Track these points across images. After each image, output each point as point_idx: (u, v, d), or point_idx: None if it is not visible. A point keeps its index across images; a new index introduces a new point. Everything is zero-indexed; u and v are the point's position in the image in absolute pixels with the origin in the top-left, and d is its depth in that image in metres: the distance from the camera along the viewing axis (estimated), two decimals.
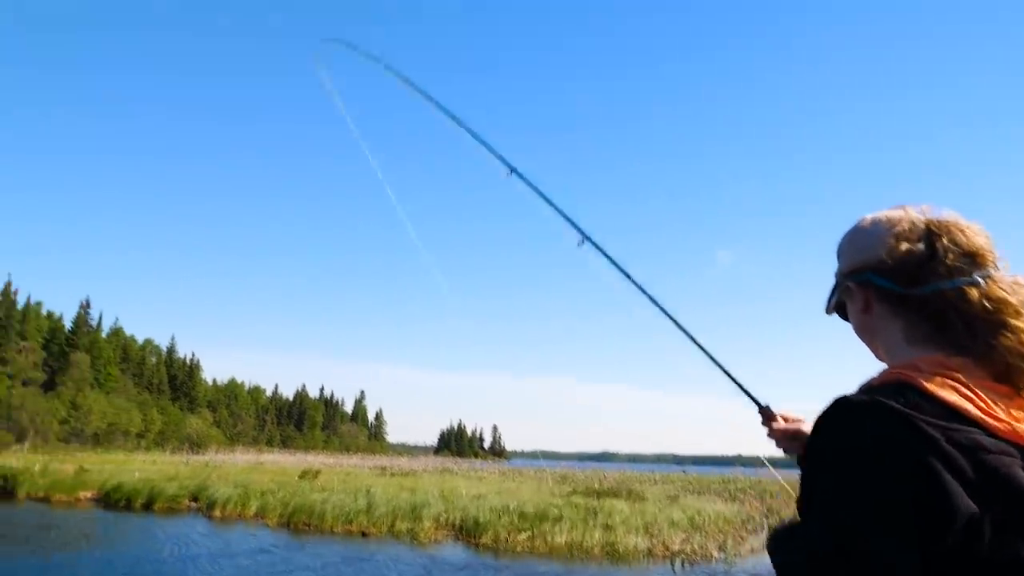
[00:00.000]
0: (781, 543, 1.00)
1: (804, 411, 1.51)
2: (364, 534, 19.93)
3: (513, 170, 2.50)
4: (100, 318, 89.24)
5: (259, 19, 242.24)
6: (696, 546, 18.35)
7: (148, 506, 25.12)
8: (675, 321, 1.99)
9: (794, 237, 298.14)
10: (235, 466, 43.22)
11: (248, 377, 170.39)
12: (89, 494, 27.73)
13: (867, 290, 1.14)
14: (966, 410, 0.94)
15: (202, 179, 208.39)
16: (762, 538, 19.50)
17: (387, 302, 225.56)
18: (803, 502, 0.99)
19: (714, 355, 1.89)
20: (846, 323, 1.22)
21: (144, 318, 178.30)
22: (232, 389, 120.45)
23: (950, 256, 1.05)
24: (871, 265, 1.12)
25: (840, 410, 0.97)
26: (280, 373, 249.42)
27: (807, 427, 1.48)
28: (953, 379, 0.98)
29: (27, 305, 79.10)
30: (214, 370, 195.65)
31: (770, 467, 2.30)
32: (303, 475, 33.82)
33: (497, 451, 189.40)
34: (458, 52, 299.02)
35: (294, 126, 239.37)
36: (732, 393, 1.80)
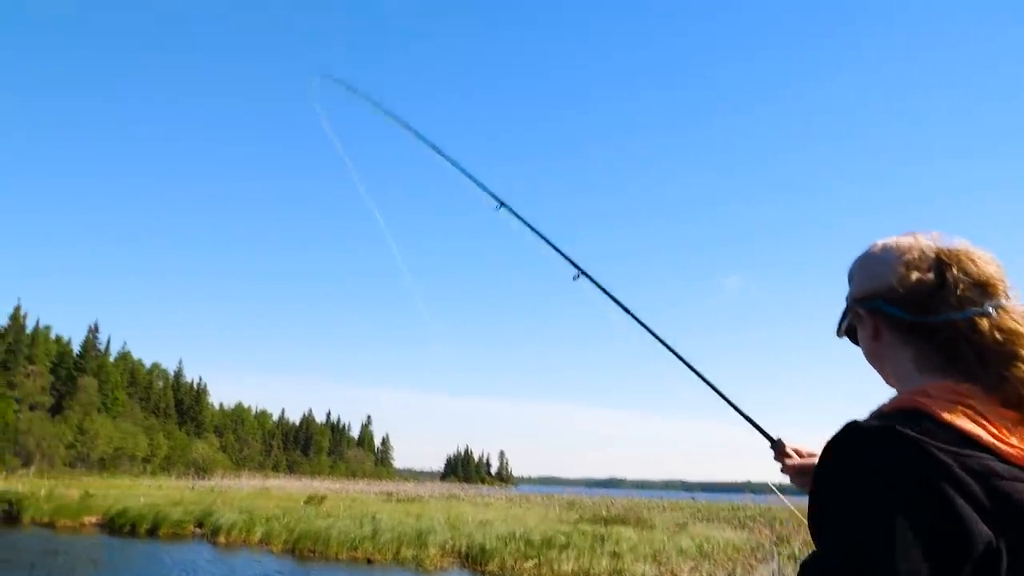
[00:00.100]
0: (801, 572, 0.97)
1: (817, 442, 1.48)
2: (369, 561, 19.77)
3: (502, 204, 2.52)
4: (108, 342, 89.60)
5: (257, 42, 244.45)
6: (705, 574, 18.11)
7: (153, 532, 25.00)
8: (682, 358, 1.98)
9: (804, 262, 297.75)
10: (240, 491, 43.03)
11: (255, 401, 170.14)
12: (94, 519, 27.62)
13: (877, 317, 1.13)
14: (978, 436, 0.94)
15: (207, 203, 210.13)
16: (772, 567, 19.23)
17: (393, 326, 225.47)
18: (814, 527, 0.97)
19: (722, 389, 1.88)
20: (857, 348, 1.22)
21: (152, 342, 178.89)
22: (239, 414, 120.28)
23: (960, 286, 1.04)
24: (881, 293, 1.12)
25: (851, 435, 0.96)
26: (287, 397, 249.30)
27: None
28: (965, 405, 0.97)
29: (36, 329, 79.43)
30: (221, 394, 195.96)
31: (779, 494, 2.26)
32: (309, 501, 33.64)
33: (504, 477, 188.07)
34: (451, 77, 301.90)
35: (296, 151, 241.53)
36: (741, 420, 1.81)
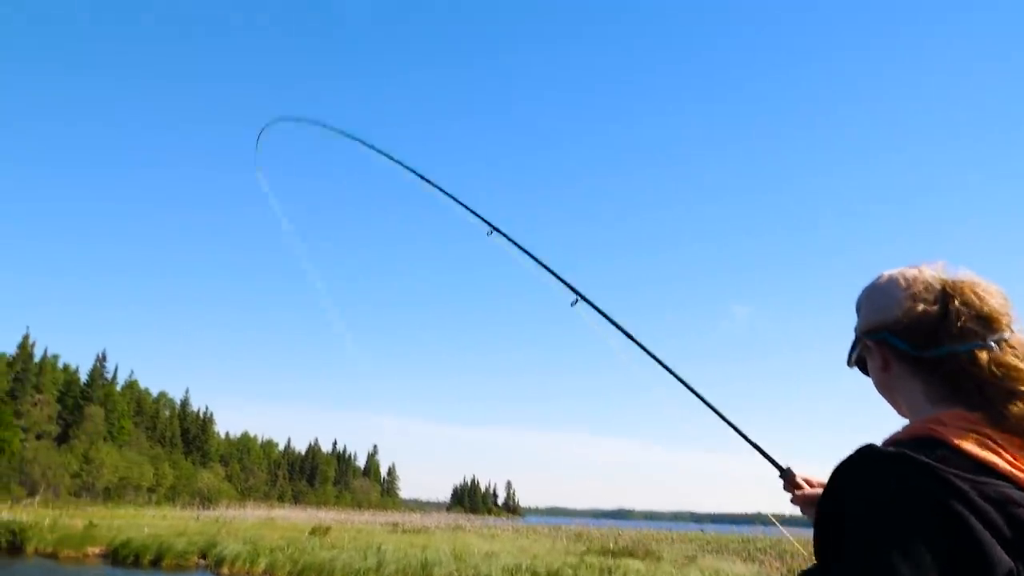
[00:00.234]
0: None
1: (826, 472, 1.48)
2: None
3: (494, 229, 2.50)
4: (115, 371, 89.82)
5: (245, 70, 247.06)
6: None
7: (156, 562, 24.81)
8: (687, 384, 1.96)
9: (813, 291, 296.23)
10: (245, 522, 42.70)
11: (261, 431, 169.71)
12: (97, 550, 27.44)
13: (884, 349, 1.14)
14: (994, 464, 0.93)
15: (216, 231, 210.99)
16: None
17: (399, 355, 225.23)
18: (823, 551, 0.97)
19: (729, 417, 1.86)
20: (866, 379, 1.22)
21: (159, 371, 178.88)
22: (244, 443, 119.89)
23: (962, 318, 1.04)
24: (887, 325, 1.12)
25: (866, 460, 0.96)
26: (293, 426, 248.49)
27: None
28: (979, 433, 0.97)
29: (44, 358, 79.68)
30: (227, 423, 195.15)
31: (780, 527, 2.23)
32: (313, 531, 33.34)
33: (511, 507, 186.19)
34: (448, 104, 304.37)
35: (302, 180, 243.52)
36: (749, 450, 1.79)
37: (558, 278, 2.26)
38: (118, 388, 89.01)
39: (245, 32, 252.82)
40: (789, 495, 1.58)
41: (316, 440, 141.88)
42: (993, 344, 1.03)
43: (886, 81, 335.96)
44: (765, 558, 32.64)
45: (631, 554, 28.89)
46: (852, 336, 1.23)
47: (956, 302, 1.06)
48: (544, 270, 2.28)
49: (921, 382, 1.09)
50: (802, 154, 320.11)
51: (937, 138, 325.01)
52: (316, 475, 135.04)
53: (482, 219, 2.55)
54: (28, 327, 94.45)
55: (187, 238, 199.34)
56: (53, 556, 26.39)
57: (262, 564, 22.97)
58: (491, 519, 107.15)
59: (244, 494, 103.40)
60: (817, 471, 1.55)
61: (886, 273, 1.18)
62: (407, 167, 2.96)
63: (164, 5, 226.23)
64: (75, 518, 34.94)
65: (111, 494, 72.51)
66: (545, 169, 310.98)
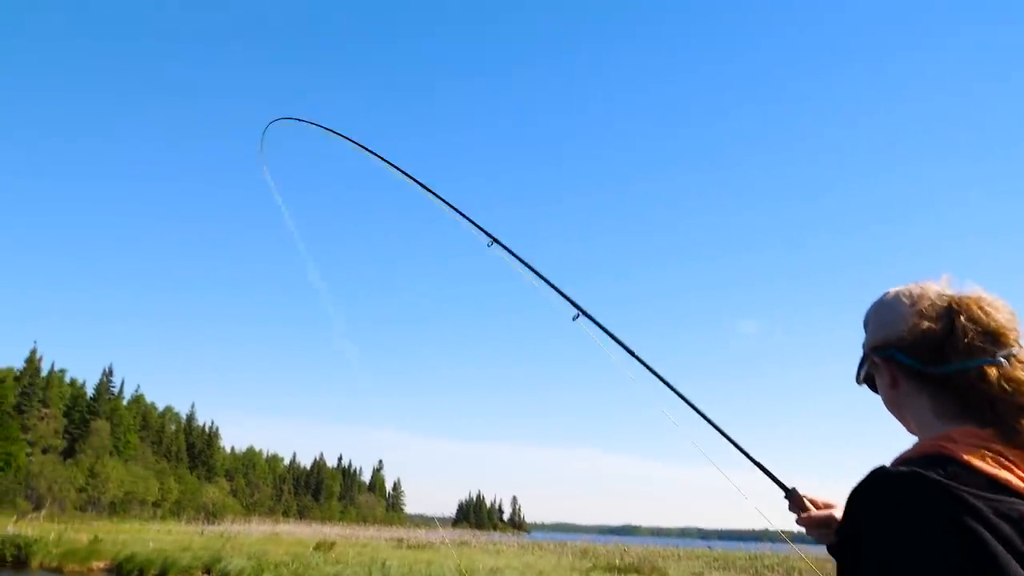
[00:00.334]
0: None
1: (832, 491, 1.49)
2: None
3: (494, 240, 2.47)
4: (122, 385, 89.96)
5: (248, 84, 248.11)
6: None
7: None
8: (691, 404, 1.94)
9: (821, 306, 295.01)
10: (250, 537, 42.57)
11: (266, 445, 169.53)
12: (102, 564, 27.40)
13: (892, 366, 1.13)
14: (1007, 480, 0.93)
15: (217, 245, 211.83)
16: None
17: (402, 371, 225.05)
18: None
19: (735, 435, 1.85)
20: (874, 395, 1.23)
21: (165, 385, 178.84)
22: (250, 458, 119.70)
23: (969, 335, 1.04)
24: (894, 342, 1.12)
25: (878, 482, 0.96)
26: (299, 441, 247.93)
27: (840, 513, 1.41)
28: (991, 450, 0.96)
29: (51, 372, 79.92)
30: (233, 438, 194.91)
31: (790, 543, 2.23)
32: (318, 547, 33.24)
33: (517, 523, 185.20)
34: (448, 113, 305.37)
35: (311, 195, 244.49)
36: (755, 466, 1.78)
37: (559, 292, 2.24)
38: (124, 402, 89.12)
39: (246, 45, 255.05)
40: (795, 516, 1.57)
41: (321, 455, 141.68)
42: (1002, 359, 1.02)
43: (890, 97, 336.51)
44: (772, 575, 32.39)
45: (637, 571, 28.70)
46: (860, 351, 1.24)
47: (962, 318, 1.05)
48: (544, 283, 2.27)
49: (930, 398, 1.08)
50: (808, 170, 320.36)
51: (941, 154, 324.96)
52: (321, 490, 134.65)
53: (482, 230, 2.51)
54: (36, 341, 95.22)
55: (192, 252, 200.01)
56: (58, 571, 26.36)
57: None
58: (496, 535, 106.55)
59: (249, 509, 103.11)
60: (823, 489, 1.55)
61: (892, 290, 1.19)
62: (406, 174, 2.94)
63: (166, 18, 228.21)
64: (80, 532, 34.90)
65: (116, 508, 72.45)
66: (549, 183, 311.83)
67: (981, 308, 1.07)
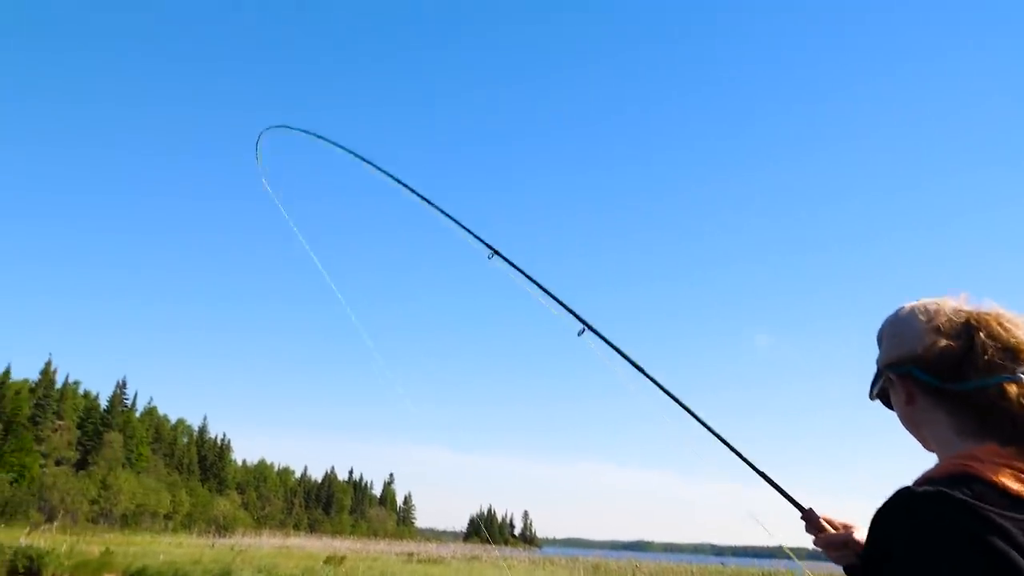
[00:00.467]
0: None
1: (849, 510, 1.46)
2: None
3: (495, 252, 2.43)
4: (135, 398, 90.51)
5: (249, 98, 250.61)
6: None
7: None
8: (703, 422, 1.90)
9: (836, 319, 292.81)
10: (260, 550, 42.53)
11: (278, 458, 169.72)
12: None
13: (908, 382, 1.12)
14: None
15: (233, 257, 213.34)
16: None
17: (415, 384, 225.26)
18: None
19: (749, 453, 1.81)
20: (889, 411, 1.21)
21: (178, 398, 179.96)
22: (261, 470, 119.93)
23: (988, 352, 1.03)
24: (911, 359, 1.11)
25: (904, 502, 0.94)
26: (310, 454, 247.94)
27: (860, 534, 1.38)
28: (1015, 468, 0.95)
29: (65, 384, 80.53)
30: (244, 450, 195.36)
31: (797, 560, 2.18)
32: (328, 560, 33.12)
33: (528, 538, 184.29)
34: (446, 128, 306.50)
35: (325, 208, 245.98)
36: (767, 483, 1.74)
37: (563, 305, 2.21)
38: (137, 415, 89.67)
39: (249, 57, 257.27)
40: (812, 537, 1.51)
41: (332, 468, 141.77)
42: (1022, 376, 1.01)
43: (912, 106, 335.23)
44: None
45: None
46: (874, 366, 1.22)
47: (981, 335, 1.04)
48: (549, 297, 2.23)
49: (947, 415, 1.07)
50: (825, 183, 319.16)
51: (962, 168, 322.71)
52: (332, 503, 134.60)
53: (482, 242, 2.48)
54: (51, 354, 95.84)
55: (205, 264, 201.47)
56: None
57: None
58: (508, 550, 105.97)
59: (260, 522, 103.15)
60: (838, 506, 1.51)
61: (908, 305, 1.18)
62: (402, 183, 2.93)
63: (169, 30, 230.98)
64: (92, 544, 34.99)
65: (128, 521, 72.67)
66: (557, 196, 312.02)
67: (1001, 324, 1.06)
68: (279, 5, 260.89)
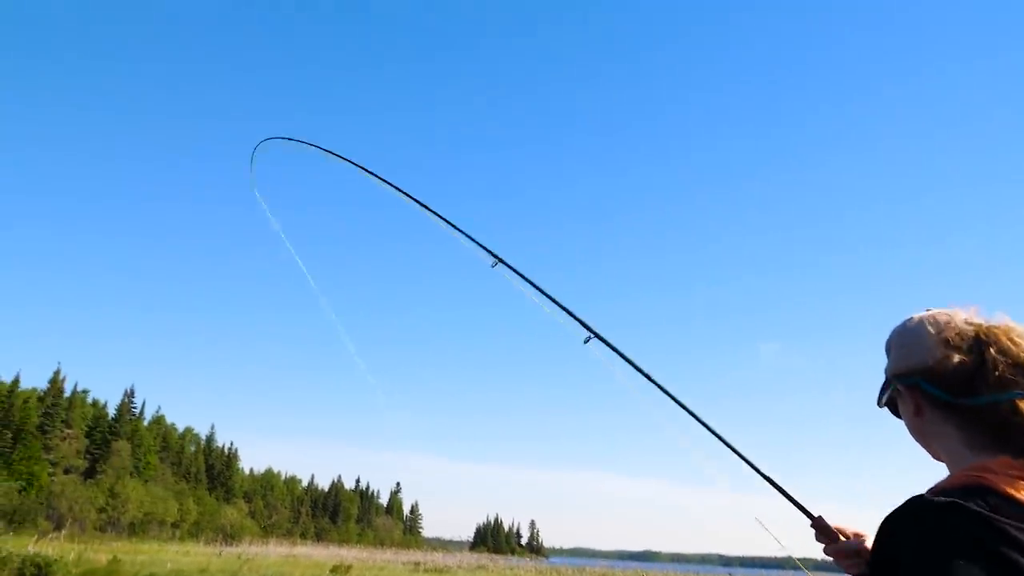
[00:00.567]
0: None
1: (859, 519, 1.45)
2: None
3: (499, 260, 2.39)
4: (143, 406, 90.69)
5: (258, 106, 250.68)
6: None
7: None
8: (716, 433, 1.87)
9: (842, 327, 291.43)
10: (267, 559, 42.53)
11: (285, 467, 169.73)
12: None
13: (917, 394, 1.12)
14: None
15: (240, 268, 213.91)
16: None
17: (414, 392, 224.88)
18: None
19: (757, 461, 1.79)
20: (897, 420, 1.21)
21: (185, 407, 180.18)
22: (268, 479, 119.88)
23: (999, 367, 1.02)
24: (919, 371, 1.10)
25: (917, 511, 0.93)
26: (317, 463, 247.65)
27: (871, 543, 1.36)
28: None
29: (74, 393, 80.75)
30: (251, 459, 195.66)
31: (805, 571, 2.15)
32: (335, 570, 33.08)
33: (535, 548, 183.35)
34: (461, 137, 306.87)
35: (338, 216, 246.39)
36: (778, 492, 1.71)
37: (569, 313, 2.19)
38: (145, 423, 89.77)
39: (254, 64, 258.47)
40: (822, 545, 1.50)
41: (339, 477, 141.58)
42: None
43: (923, 116, 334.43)
44: None
45: None
46: (883, 375, 1.22)
47: (992, 350, 1.03)
48: (554, 305, 2.21)
49: (957, 429, 1.06)
50: (833, 192, 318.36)
51: (976, 178, 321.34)
52: (339, 512, 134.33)
53: (486, 250, 2.44)
54: (59, 362, 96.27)
55: (213, 275, 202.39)
56: None
57: None
58: (514, 559, 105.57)
59: (267, 531, 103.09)
60: (851, 518, 1.49)
61: (916, 316, 1.16)
62: (403, 191, 2.88)
63: (170, 39, 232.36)
64: (100, 553, 35.04)
65: (136, 529, 72.73)
66: (562, 204, 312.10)
67: (1011, 339, 1.04)
68: (280, 14, 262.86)
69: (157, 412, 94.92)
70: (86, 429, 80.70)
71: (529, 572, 48.28)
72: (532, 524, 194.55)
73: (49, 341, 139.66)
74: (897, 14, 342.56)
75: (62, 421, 76.30)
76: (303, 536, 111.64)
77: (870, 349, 1.26)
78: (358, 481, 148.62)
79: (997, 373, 1.02)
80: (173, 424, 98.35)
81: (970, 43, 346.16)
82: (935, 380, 1.08)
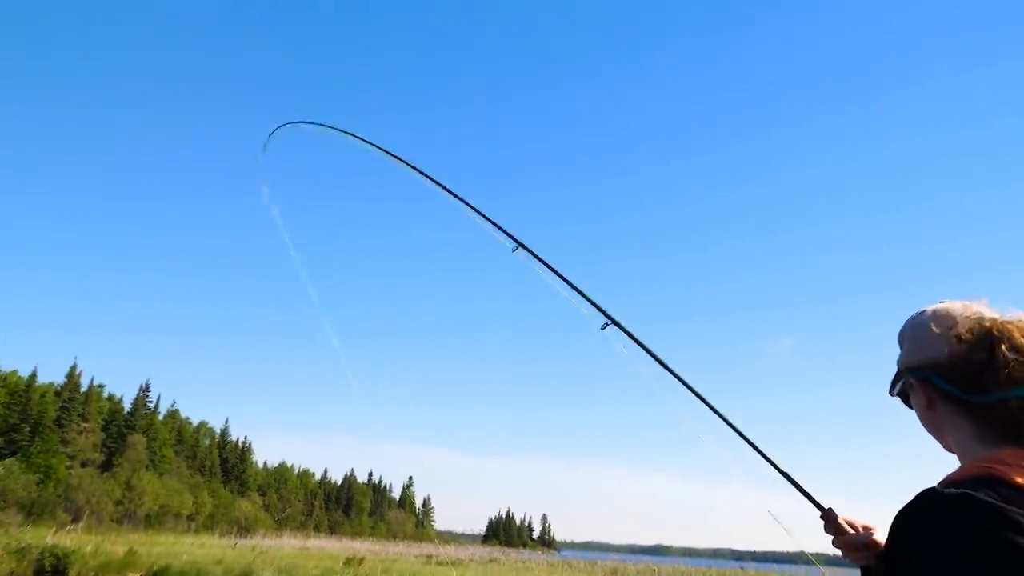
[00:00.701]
0: None
1: (869, 512, 1.45)
2: None
3: (520, 245, 2.36)
4: (158, 401, 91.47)
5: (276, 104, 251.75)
6: None
7: None
8: (725, 418, 1.85)
9: (860, 323, 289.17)
10: (281, 551, 42.87)
11: (298, 461, 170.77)
12: (137, 575, 27.80)
13: (928, 388, 1.12)
14: None
15: (253, 263, 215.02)
16: None
17: (435, 385, 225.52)
18: None
19: (768, 452, 1.78)
20: (910, 411, 1.22)
21: (200, 401, 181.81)
22: (282, 473, 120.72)
23: (1011, 364, 1.02)
24: (931, 365, 1.10)
25: (929, 503, 0.94)
26: (330, 456, 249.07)
27: (880, 536, 1.39)
28: None
29: (90, 387, 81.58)
30: (265, 453, 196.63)
31: (818, 565, 2.14)
32: (348, 562, 33.32)
33: (547, 541, 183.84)
34: (477, 131, 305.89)
35: (359, 210, 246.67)
36: (789, 486, 1.70)
37: (587, 299, 2.16)
38: (160, 417, 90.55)
39: (254, 64, 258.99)
40: (831, 537, 1.50)
41: (352, 471, 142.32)
42: None
43: (938, 115, 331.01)
44: None
45: None
46: (895, 367, 1.23)
47: (1003, 346, 1.03)
48: (571, 290, 2.18)
49: (968, 422, 1.07)
50: (851, 187, 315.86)
51: (992, 176, 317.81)
52: (352, 505, 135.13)
53: (508, 234, 2.38)
54: (76, 357, 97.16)
55: (230, 268, 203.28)
56: None
57: None
58: (526, 552, 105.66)
59: (280, 523, 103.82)
60: (861, 511, 1.49)
61: (929, 309, 1.17)
62: (425, 174, 2.80)
63: (172, 39, 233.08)
64: (116, 544, 35.41)
65: (152, 521, 73.44)
66: (584, 195, 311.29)
67: (1023, 334, 1.04)
68: (280, 13, 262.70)
69: (172, 406, 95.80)
70: (102, 423, 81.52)
71: (541, 565, 48.43)
72: (544, 518, 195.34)
73: (66, 337, 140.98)
74: (897, 14, 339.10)
75: (79, 415, 77.12)
76: (316, 529, 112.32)
77: (887, 344, 1.27)
78: (370, 475, 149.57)
79: (1007, 370, 1.02)
80: (188, 418, 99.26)
81: (970, 43, 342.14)
82: (947, 375, 1.08)
